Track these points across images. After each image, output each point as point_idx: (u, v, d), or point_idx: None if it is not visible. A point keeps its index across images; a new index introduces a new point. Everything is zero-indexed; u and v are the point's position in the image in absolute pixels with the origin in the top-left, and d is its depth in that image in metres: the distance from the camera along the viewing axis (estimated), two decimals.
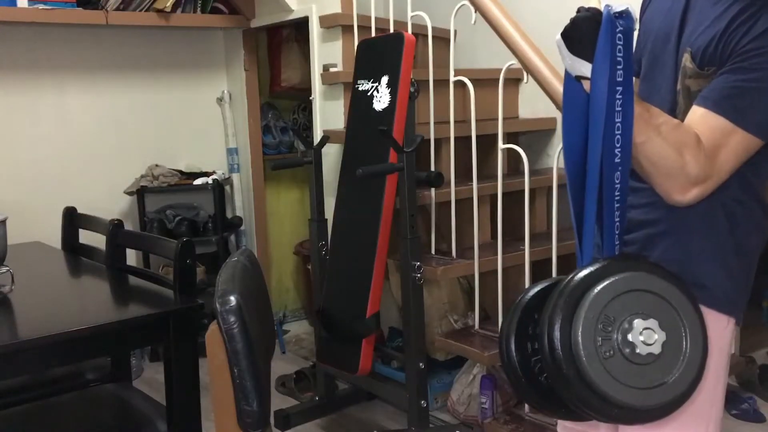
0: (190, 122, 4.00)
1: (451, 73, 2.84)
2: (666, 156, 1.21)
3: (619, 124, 1.14)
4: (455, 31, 2.90)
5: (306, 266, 3.96)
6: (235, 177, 4.09)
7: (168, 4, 3.57)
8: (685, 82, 1.32)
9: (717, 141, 1.22)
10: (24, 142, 3.51)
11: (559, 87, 2.14)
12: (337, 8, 3.23)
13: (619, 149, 1.16)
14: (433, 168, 2.88)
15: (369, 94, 2.75)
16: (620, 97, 1.13)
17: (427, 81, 2.89)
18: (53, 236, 2.64)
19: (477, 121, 2.77)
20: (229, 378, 1.18)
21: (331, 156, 3.18)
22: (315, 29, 3.31)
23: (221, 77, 4.12)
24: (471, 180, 2.80)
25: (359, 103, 2.81)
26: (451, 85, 2.83)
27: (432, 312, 2.90)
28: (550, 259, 2.60)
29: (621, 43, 1.11)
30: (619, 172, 1.17)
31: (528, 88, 3.08)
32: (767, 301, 3.82)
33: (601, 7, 1.14)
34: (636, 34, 1.34)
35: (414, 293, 2.57)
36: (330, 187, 3.07)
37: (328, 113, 3.29)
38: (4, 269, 1.92)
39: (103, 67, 3.71)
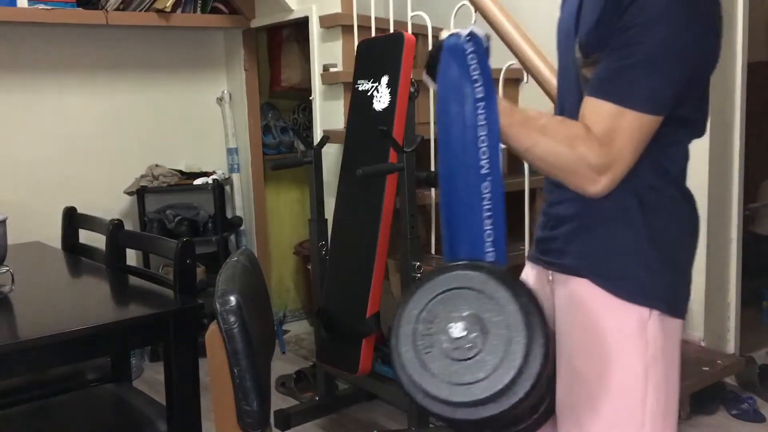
0: (190, 122, 4.00)
1: None
2: (558, 153, 1.21)
3: (484, 137, 1.19)
4: None
5: (306, 266, 3.96)
6: (235, 177, 4.09)
7: (168, 4, 3.57)
8: (582, 73, 1.30)
9: (608, 126, 1.19)
10: (24, 142, 3.51)
11: None
12: (337, 8, 3.23)
13: (486, 160, 1.20)
14: (433, 168, 2.88)
15: (369, 94, 2.75)
16: (482, 111, 1.18)
17: None
18: (53, 236, 2.64)
19: None
20: (229, 378, 1.18)
21: (331, 156, 3.18)
22: (315, 29, 3.31)
23: (221, 77, 4.12)
24: None
25: (359, 103, 2.81)
26: None
27: None
28: None
29: (474, 62, 1.18)
30: (488, 182, 1.20)
31: (528, 88, 3.08)
32: (767, 301, 3.82)
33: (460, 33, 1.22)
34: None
35: None
36: (330, 187, 3.07)
37: (328, 113, 3.29)
38: (4, 269, 1.92)
39: (103, 67, 3.71)
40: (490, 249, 1.22)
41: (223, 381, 1.19)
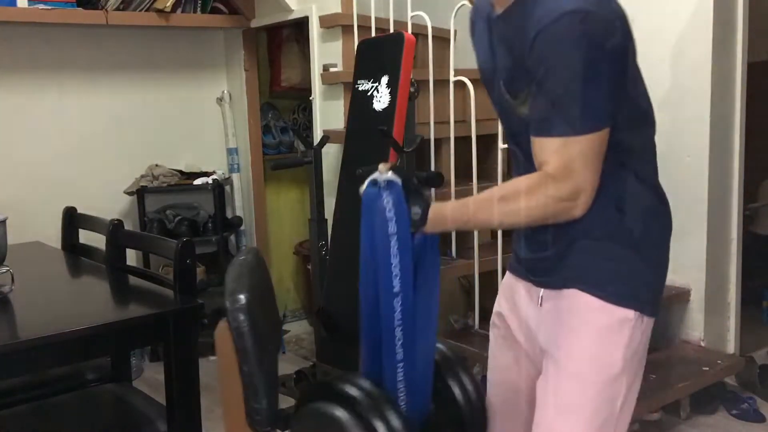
0: (190, 122, 4.00)
1: (451, 73, 2.84)
2: (529, 209, 1.28)
3: (396, 262, 1.31)
4: (455, 31, 2.90)
5: (306, 266, 3.95)
6: (235, 177, 4.08)
7: (168, 4, 3.57)
8: (519, 112, 1.35)
9: (562, 160, 1.24)
10: (24, 142, 3.50)
11: None
12: (337, 8, 3.23)
13: (398, 279, 1.31)
14: (433, 168, 2.87)
15: (369, 94, 2.75)
16: (395, 243, 1.31)
17: (427, 81, 2.89)
18: (53, 236, 2.64)
19: (477, 120, 2.77)
20: (238, 376, 1.18)
21: (331, 156, 3.18)
22: (315, 29, 3.31)
23: (221, 77, 4.11)
24: (471, 180, 2.80)
25: (359, 103, 2.81)
26: (451, 85, 2.83)
27: None
28: None
29: (390, 203, 1.32)
30: (399, 300, 1.32)
31: None
32: (767, 301, 3.82)
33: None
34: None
35: None
36: (330, 187, 3.07)
37: (328, 113, 3.29)
38: (4, 269, 1.92)
39: (103, 67, 3.71)
40: (400, 363, 1.35)
41: (231, 379, 1.19)
